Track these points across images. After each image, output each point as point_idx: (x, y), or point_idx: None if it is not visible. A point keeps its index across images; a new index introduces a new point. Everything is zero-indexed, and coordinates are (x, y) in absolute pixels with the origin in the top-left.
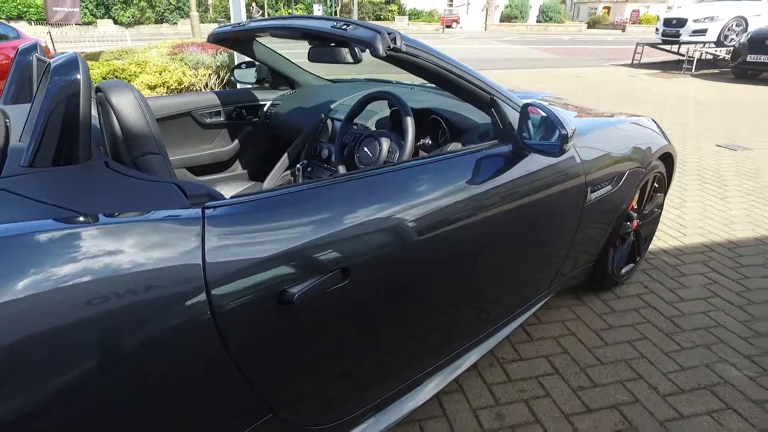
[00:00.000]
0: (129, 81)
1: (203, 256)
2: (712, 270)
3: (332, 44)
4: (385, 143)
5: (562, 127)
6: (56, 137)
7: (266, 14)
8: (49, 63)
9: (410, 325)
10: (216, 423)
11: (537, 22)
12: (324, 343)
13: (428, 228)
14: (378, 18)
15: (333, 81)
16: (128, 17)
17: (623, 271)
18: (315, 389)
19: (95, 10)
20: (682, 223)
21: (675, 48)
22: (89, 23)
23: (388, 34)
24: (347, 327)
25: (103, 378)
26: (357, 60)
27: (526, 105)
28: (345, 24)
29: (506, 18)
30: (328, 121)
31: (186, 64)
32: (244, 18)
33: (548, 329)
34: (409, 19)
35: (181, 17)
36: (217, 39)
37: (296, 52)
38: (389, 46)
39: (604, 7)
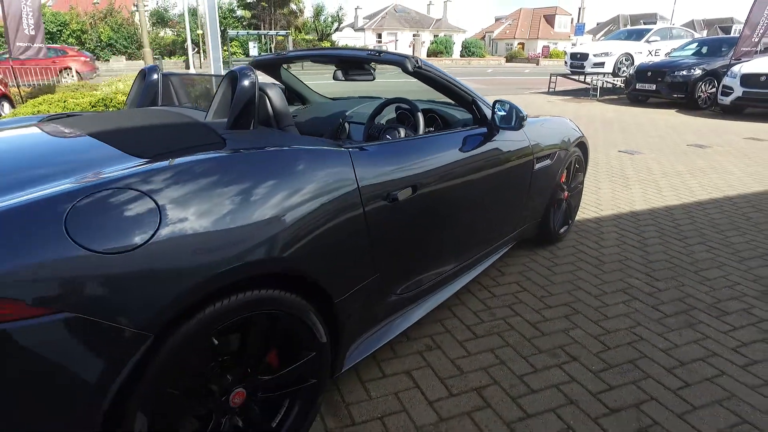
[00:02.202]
0: (118, 109)
1: (353, 169)
2: (621, 230)
3: (364, 66)
4: (402, 131)
5: (520, 112)
6: (241, 114)
7: (201, 52)
8: (232, 70)
9: (446, 227)
10: (358, 271)
11: (461, 56)
12: (403, 229)
13: (442, 172)
14: None
15: (333, 99)
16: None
17: (561, 230)
18: (399, 262)
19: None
20: (599, 203)
21: (581, 78)
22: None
23: (413, 58)
24: (416, 221)
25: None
26: (373, 78)
27: (496, 100)
28: (377, 52)
29: (432, 53)
30: (345, 124)
31: None
32: (219, 53)
33: (508, 278)
34: None
35: (113, 54)
36: (257, 64)
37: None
38: (415, 65)
39: (518, 44)
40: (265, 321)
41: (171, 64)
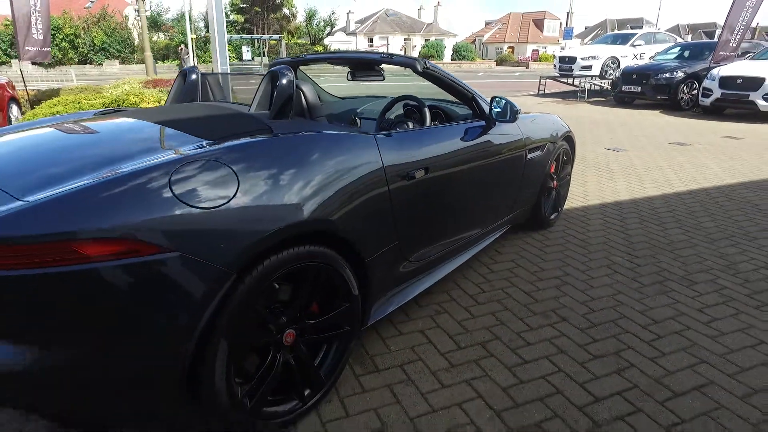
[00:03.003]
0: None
1: (379, 151)
2: (606, 217)
3: (375, 68)
4: (410, 124)
5: (514, 107)
6: (281, 107)
7: (193, 54)
8: (272, 70)
9: (451, 205)
10: (383, 237)
11: (452, 60)
12: (418, 204)
13: (448, 157)
14: None
15: (343, 98)
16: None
17: (551, 216)
18: (415, 233)
19: (9, 49)
20: (586, 194)
21: (570, 81)
22: (3, 63)
23: (422, 60)
24: (428, 197)
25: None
26: (383, 78)
27: (493, 97)
28: (389, 55)
29: (424, 57)
30: (357, 119)
31: None
32: (226, 57)
33: (504, 257)
34: None
35: (107, 58)
36: (276, 65)
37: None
38: (424, 66)
39: (508, 47)
40: (313, 273)
41: (165, 68)
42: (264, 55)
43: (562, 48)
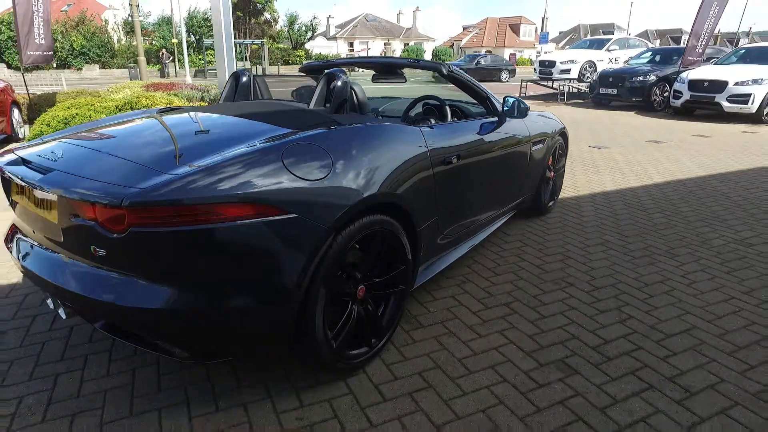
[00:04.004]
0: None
1: (425, 140)
2: (596, 205)
3: (398, 71)
4: (432, 120)
5: (522, 104)
6: (339, 104)
7: (175, 59)
8: (328, 72)
9: (474, 188)
10: (428, 211)
11: None
12: (452, 185)
13: (473, 147)
14: (287, 63)
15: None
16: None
17: (549, 204)
18: (449, 210)
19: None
20: (576, 185)
21: (550, 83)
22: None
23: (447, 65)
24: (459, 180)
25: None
26: (405, 80)
27: (505, 96)
28: (415, 60)
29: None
30: (380, 118)
31: (181, 98)
32: (234, 64)
33: (512, 239)
34: None
35: (86, 63)
36: (306, 69)
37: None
38: (449, 69)
39: (486, 51)
40: (380, 238)
41: (146, 73)
42: (246, 60)
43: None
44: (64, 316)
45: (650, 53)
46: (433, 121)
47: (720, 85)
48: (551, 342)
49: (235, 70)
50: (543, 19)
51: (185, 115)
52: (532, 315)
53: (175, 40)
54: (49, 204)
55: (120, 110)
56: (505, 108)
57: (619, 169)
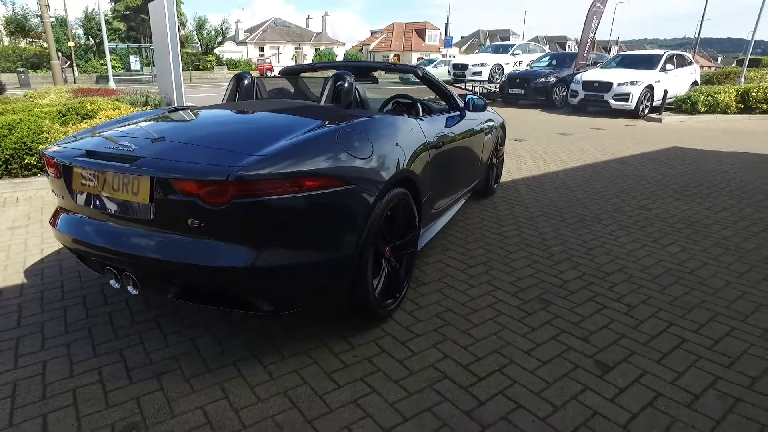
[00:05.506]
0: (90, 117)
1: (422, 128)
2: (530, 186)
3: (371, 74)
4: (406, 116)
5: (481, 101)
6: (348, 101)
7: (74, 64)
8: (336, 74)
9: (451, 169)
10: (427, 186)
11: None
12: (438, 166)
13: (449, 135)
14: (197, 68)
15: None
16: None
17: (495, 186)
18: (435, 187)
19: None
20: (508, 172)
21: (463, 85)
22: None
23: (421, 69)
24: (441, 163)
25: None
26: (377, 82)
27: (465, 94)
28: (392, 64)
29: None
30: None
31: (124, 102)
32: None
33: (473, 216)
34: (228, 68)
35: None
36: (286, 72)
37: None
38: (424, 73)
39: (394, 55)
40: (401, 207)
41: (39, 78)
42: (153, 65)
43: (443, 56)
44: (134, 291)
45: (548, 57)
46: (421, 115)
47: (607, 86)
48: (527, 285)
49: (239, 72)
50: (446, 24)
51: (218, 111)
52: (506, 269)
53: (72, 43)
54: (137, 187)
55: (64, 116)
56: (471, 104)
57: (540, 158)
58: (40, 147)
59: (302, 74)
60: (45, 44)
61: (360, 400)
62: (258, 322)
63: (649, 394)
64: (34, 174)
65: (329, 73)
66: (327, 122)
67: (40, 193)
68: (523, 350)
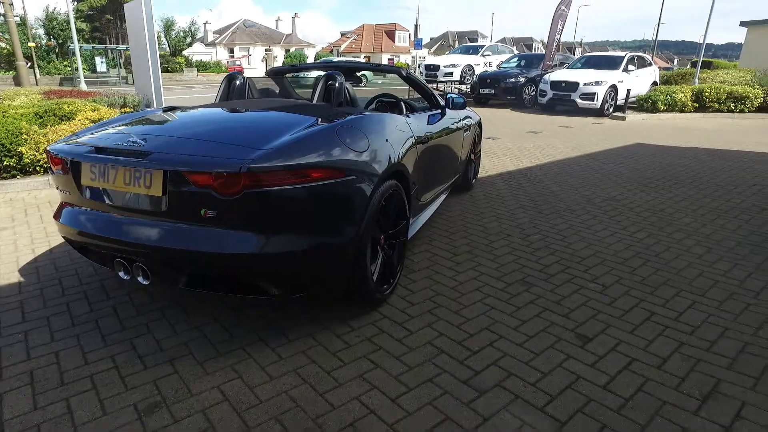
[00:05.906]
0: (68, 119)
1: (409, 125)
2: (505, 181)
3: (356, 74)
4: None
5: (460, 99)
6: (340, 99)
7: (35, 65)
8: (327, 74)
9: (434, 163)
10: (414, 179)
11: None
12: (424, 161)
13: (433, 132)
14: (166, 70)
15: None
16: None
17: (473, 181)
18: (421, 180)
19: None
20: (485, 168)
21: (435, 86)
22: None
23: (405, 69)
24: (427, 157)
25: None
26: (363, 82)
27: (447, 94)
28: (377, 64)
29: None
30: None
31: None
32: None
33: (455, 209)
34: (198, 70)
35: None
36: (272, 73)
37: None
38: (407, 73)
39: (365, 57)
40: (393, 198)
41: (27, 79)
42: (121, 67)
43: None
44: (145, 282)
45: (517, 58)
46: (405, 113)
47: (573, 86)
48: (510, 270)
49: (230, 72)
50: (416, 26)
51: (216, 109)
52: (489, 256)
53: (32, 44)
54: (150, 180)
55: (42, 118)
56: (451, 102)
57: (513, 155)
58: (20, 149)
59: (286, 75)
60: (2, 44)
61: (366, 375)
62: (260, 311)
63: (625, 360)
64: (14, 176)
65: (314, 74)
66: (323, 119)
67: (20, 195)
68: (510, 327)
